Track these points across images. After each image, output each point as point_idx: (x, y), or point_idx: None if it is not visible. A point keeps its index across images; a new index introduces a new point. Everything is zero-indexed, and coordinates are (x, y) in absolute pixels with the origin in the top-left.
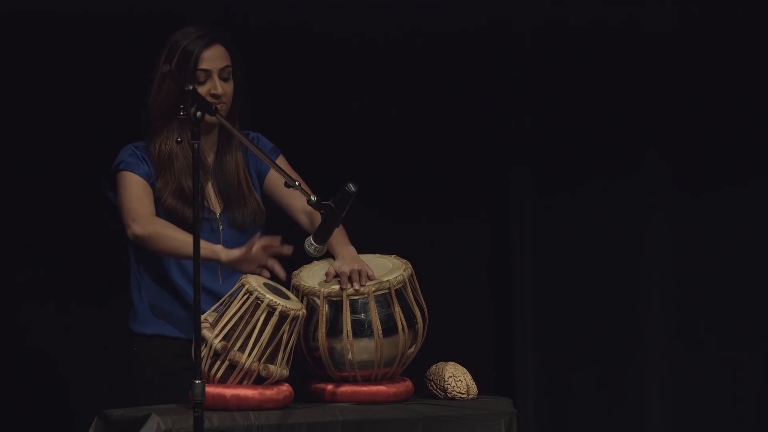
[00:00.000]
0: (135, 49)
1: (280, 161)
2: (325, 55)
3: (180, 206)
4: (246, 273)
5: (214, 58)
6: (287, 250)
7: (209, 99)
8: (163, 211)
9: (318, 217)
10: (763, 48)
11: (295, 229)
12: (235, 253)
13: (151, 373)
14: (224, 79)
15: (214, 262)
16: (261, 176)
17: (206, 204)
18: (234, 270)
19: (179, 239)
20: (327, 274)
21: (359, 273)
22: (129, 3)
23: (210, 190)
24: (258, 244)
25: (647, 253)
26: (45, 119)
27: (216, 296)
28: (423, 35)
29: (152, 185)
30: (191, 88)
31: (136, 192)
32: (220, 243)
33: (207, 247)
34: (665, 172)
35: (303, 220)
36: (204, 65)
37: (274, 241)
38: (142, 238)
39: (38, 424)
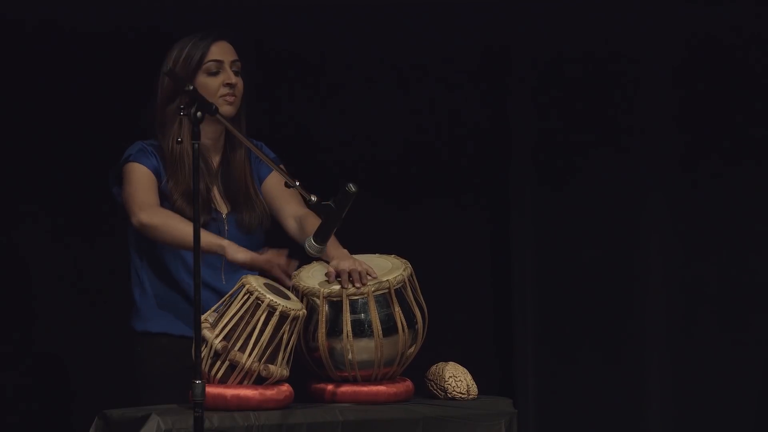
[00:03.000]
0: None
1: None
2: (321, 47)
3: (188, 207)
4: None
5: (224, 51)
6: (292, 267)
7: (223, 90)
8: (172, 211)
9: (308, 224)
10: (756, 32)
11: None
12: (241, 257)
13: (158, 372)
14: (235, 73)
15: (218, 257)
16: (259, 181)
17: (212, 205)
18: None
19: (185, 230)
20: (328, 275)
21: (359, 273)
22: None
23: (216, 192)
24: (267, 257)
25: (649, 250)
26: (53, 119)
27: (219, 294)
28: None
29: (159, 179)
30: (191, 87)
31: (143, 182)
32: None
33: (214, 242)
34: (666, 158)
35: (291, 225)
36: (215, 56)
37: (282, 254)
38: (149, 227)
39: (39, 424)
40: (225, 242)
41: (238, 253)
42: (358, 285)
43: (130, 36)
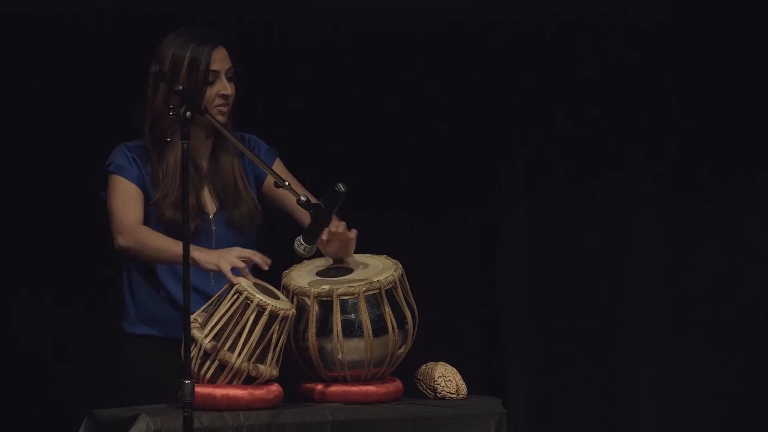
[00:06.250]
0: (128, 48)
1: (277, 163)
2: (314, 52)
3: (179, 217)
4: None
5: (221, 59)
6: (265, 265)
7: (218, 100)
8: (161, 222)
9: None
10: (753, 44)
11: (288, 228)
12: (210, 266)
13: (141, 373)
14: (229, 80)
15: (195, 265)
16: (260, 179)
17: (202, 209)
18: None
19: (160, 248)
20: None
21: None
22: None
23: (206, 193)
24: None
25: (638, 253)
26: (39, 119)
27: (208, 298)
28: (414, 30)
29: (143, 188)
30: (181, 87)
31: (123, 198)
32: (213, 245)
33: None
34: (657, 170)
35: (304, 220)
36: (214, 66)
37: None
38: (127, 250)
39: (32, 424)
40: (195, 253)
41: (208, 264)
42: (341, 228)
43: (111, 25)
